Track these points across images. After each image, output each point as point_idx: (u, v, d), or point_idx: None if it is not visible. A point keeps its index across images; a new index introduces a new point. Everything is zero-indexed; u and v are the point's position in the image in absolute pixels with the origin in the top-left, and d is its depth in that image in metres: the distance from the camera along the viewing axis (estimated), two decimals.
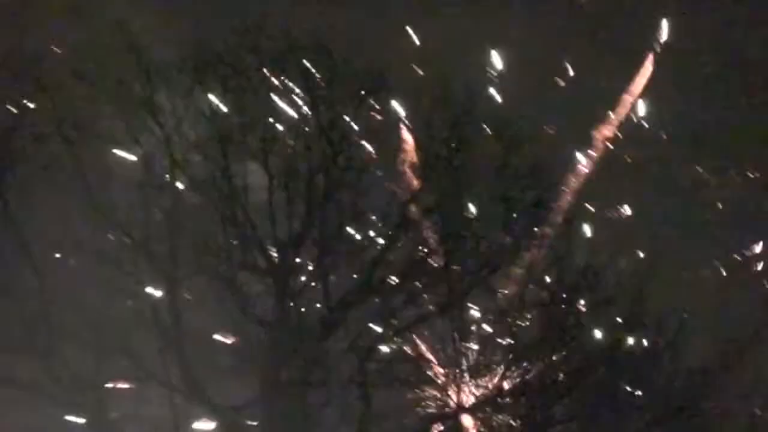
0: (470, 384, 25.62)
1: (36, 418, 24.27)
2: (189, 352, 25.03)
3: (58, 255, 25.28)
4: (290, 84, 25.97)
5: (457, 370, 25.47)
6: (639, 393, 25.67)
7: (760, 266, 34.54)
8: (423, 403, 26.75)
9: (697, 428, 25.24)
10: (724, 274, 33.83)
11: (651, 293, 26.30)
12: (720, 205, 36.10)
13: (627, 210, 34.42)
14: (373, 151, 26.52)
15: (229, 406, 25.29)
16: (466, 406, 25.61)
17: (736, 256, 34.58)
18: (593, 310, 26.15)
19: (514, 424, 25.15)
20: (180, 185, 25.59)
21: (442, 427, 25.73)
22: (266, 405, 25.48)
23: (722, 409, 25.78)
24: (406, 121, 26.45)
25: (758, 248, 34.79)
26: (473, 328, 26.05)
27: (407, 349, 26.35)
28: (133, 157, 25.68)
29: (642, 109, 37.02)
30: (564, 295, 25.86)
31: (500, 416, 25.37)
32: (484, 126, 26.11)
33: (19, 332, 24.15)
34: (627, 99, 37.05)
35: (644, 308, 25.98)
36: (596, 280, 25.81)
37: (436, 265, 25.96)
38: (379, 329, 26.00)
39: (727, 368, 26.45)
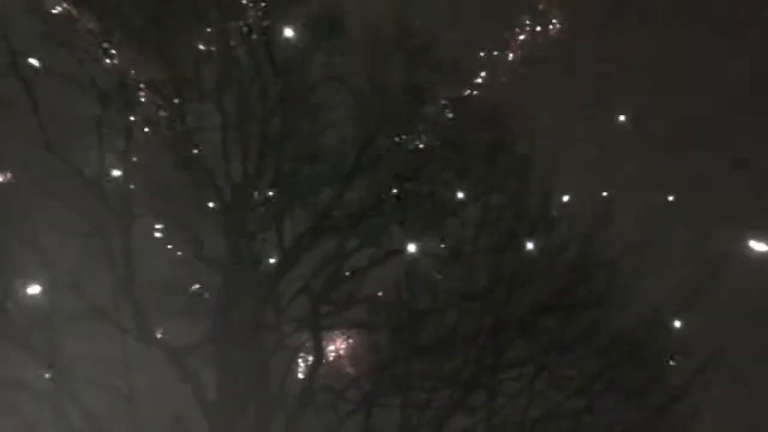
0: (422, 328, 25.53)
1: None
2: (140, 293, 25.09)
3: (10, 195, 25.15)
4: (246, 26, 25.76)
5: (410, 314, 25.39)
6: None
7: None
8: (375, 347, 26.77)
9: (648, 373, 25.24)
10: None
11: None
12: None
13: None
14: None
15: (180, 347, 25.35)
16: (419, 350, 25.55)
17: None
18: (547, 255, 26.07)
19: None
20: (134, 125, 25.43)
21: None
22: (218, 347, 25.57)
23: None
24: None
25: None
26: (426, 271, 25.88)
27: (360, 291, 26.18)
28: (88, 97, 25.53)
29: None
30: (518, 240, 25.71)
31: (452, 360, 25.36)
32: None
33: None
34: None
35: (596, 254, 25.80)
36: (551, 224, 25.78)
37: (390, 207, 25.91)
38: (332, 272, 25.97)
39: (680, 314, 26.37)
